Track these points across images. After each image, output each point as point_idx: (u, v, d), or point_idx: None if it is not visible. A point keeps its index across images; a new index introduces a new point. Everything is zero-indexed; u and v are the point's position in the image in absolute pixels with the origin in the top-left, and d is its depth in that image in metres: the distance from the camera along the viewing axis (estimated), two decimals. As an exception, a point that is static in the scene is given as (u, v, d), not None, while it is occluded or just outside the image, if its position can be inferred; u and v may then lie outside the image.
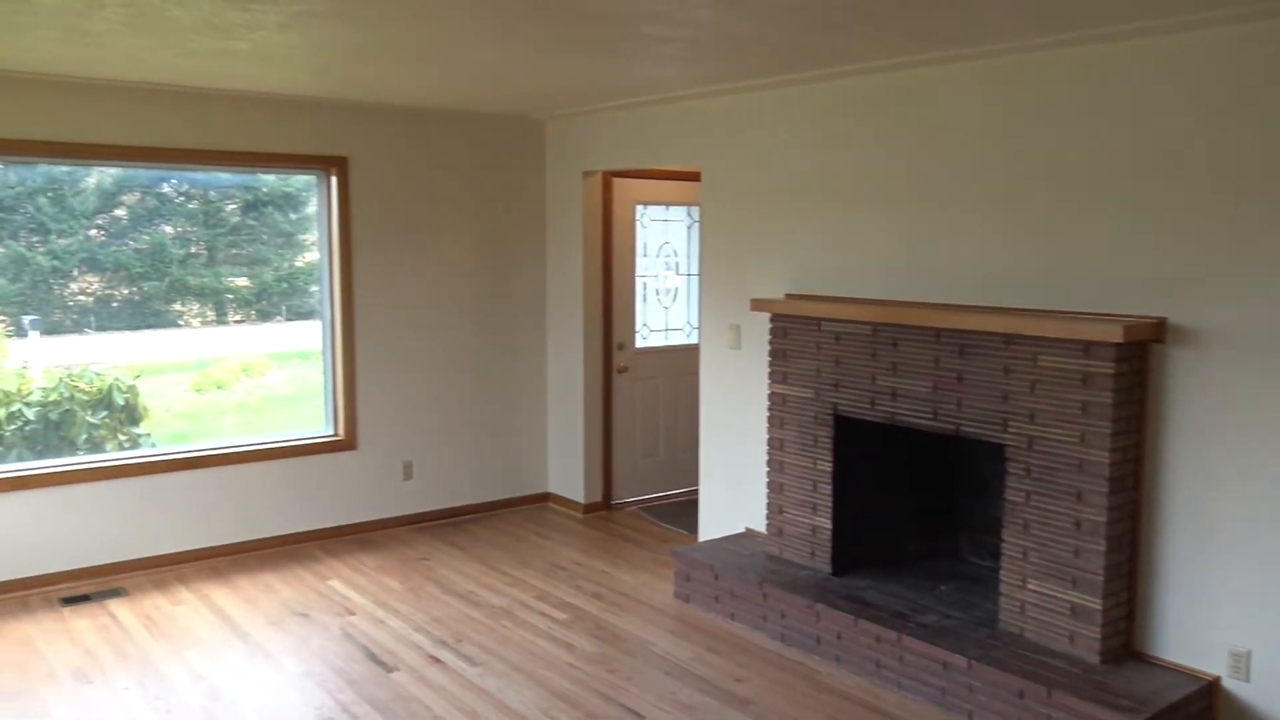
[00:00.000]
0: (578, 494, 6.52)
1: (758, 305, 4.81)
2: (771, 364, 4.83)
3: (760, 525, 5.17)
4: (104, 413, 6.08)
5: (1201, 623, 3.58)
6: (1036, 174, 3.93)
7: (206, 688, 4.05)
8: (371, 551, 5.75)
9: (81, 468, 5.27)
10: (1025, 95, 3.96)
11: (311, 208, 6.35)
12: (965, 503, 4.76)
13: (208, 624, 4.70)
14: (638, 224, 6.57)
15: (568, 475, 6.60)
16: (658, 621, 4.76)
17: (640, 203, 6.55)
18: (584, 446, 6.44)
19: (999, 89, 4.04)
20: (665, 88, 5.15)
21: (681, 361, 6.75)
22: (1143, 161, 3.61)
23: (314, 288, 6.48)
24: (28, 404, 5.99)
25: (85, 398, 6.13)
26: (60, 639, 4.50)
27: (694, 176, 6.20)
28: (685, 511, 6.33)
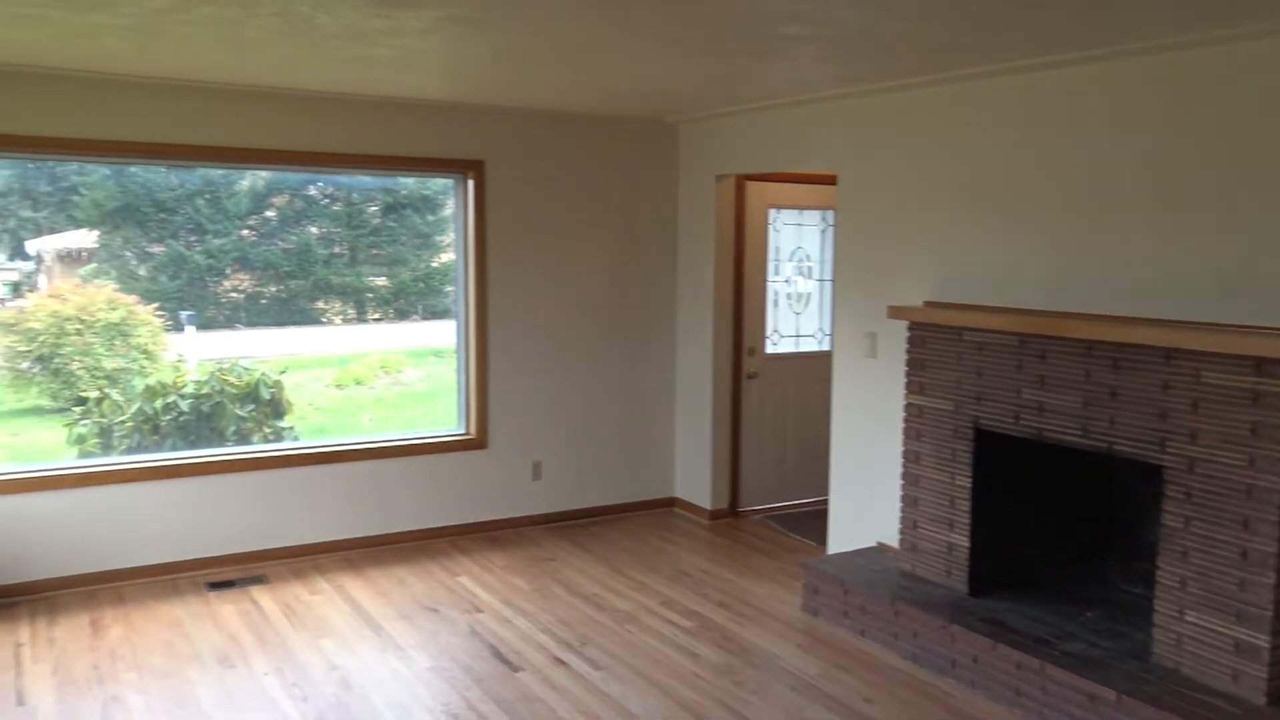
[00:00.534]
0: (704, 500, 6.46)
1: (895, 313, 4.65)
2: (909, 374, 4.67)
3: (893, 540, 5.01)
4: (251, 406, 6.35)
5: (1385, 667, 3.28)
6: (1204, 175, 3.68)
7: (339, 677, 4.15)
8: (500, 550, 5.82)
9: (229, 458, 5.49)
10: (1191, 91, 3.71)
11: (448, 210, 6.48)
12: (1115, 525, 4.50)
13: (342, 614, 4.82)
14: (770, 228, 6.47)
15: (694, 481, 6.54)
16: (784, 634, 4.66)
17: (773, 206, 6.45)
18: (711, 452, 6.37)
19: (1159, 86, 3.80)
20: (802, 89, 5.05)
21: (813, 368, 6.61)
22: (1326, 164, 3.33)
23: (449, 288, 6.61)
24: (182, 396, 6.31)
25: (234, 391, 6.41)
26: (206, 622, 4.69)
27: (830, 180, 6.06)
28: (814, 522, 6.19)
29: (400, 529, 5.85)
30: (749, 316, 6.41)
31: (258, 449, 5.74)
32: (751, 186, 6.31)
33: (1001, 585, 4.47)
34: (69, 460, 5.89)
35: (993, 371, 4.26)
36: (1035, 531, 4.57)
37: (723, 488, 6.46)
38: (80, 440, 6.32)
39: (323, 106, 5.36)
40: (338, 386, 13.93)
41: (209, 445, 6.36)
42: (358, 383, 14.00)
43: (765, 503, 6.63)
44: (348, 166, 5.63)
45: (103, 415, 6.32)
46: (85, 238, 15.18)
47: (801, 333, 6.72)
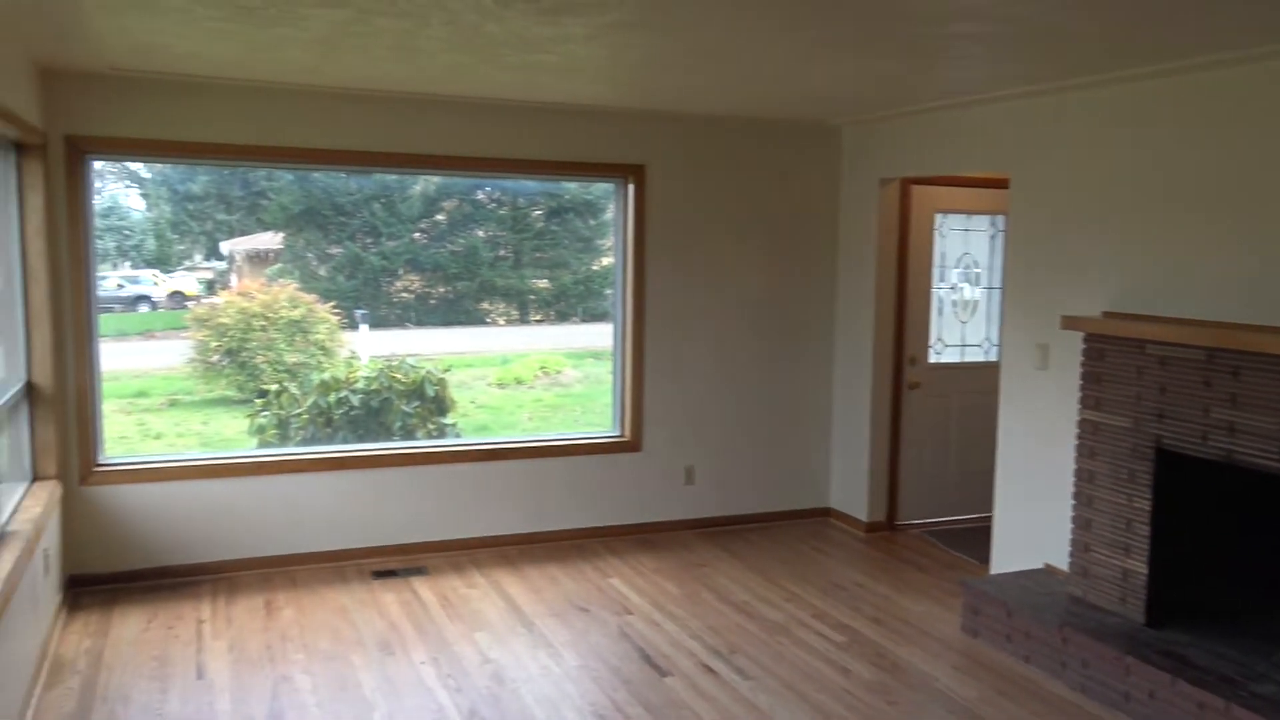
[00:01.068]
0: (860, 511, 6.30)
1: (1070, 323, 4.41)
2: (1083, 388, 4.42)
3: (1061, 562, 4.74)
4: (416, 402, 6.59)
5: None
6: None
7: (492, 670, 4.24)
8: (651, 553, 5.83)
9: (395, 452, 5.69)
10: None
11: (609, 214, 6.56)
12: (1315, 558, 4.13)
13: (497, 609, 4.93)
14: (936, 233, 6.25)
15: (851, 491, 6.39)
16: (942, 655, 4.49)
17: (940, 211, 6.23)
18: (869, 463, 6.21)
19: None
20: (973, 89, 4.85)
21: (978, 379, 6.35)
22: None
23: (608, 291, 6.68)
24: (353, 391, 6.61)
25: (401, 387, 6.68)
26: (369, 609, 4.88)
27: (1000, 183, 5.81)
28: (976, 539, 5.95)
29: (554, 527, 5.94)
30: (911, 324, 6.21)
31: (422, 444, 5.94)
32: (917, 190, 6.12)
33: (1182, 617, 4.17)
34: (250, 449, 6.27)
35: (1177, 388, 3.98)
36: (1222, 561, 4.24)
37: (880, 500, 6.28)
38: (260, 430, 6.71)
39: (489, 113, 5.50)
40: (499, 385, 14.33)
41: (376, 439, 6.64)
42: (518, 382, 14.37)
43: (924, 517, 6.41)
44: (513, 171, 5.75)
45: (281, 408, 6.68)
46: (272, 239, 16.16)
47: (967, 342, 6.47)
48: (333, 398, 6.56)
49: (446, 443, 6.00)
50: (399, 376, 6.89)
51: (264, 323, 11.39)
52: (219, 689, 4.01)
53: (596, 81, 4.73)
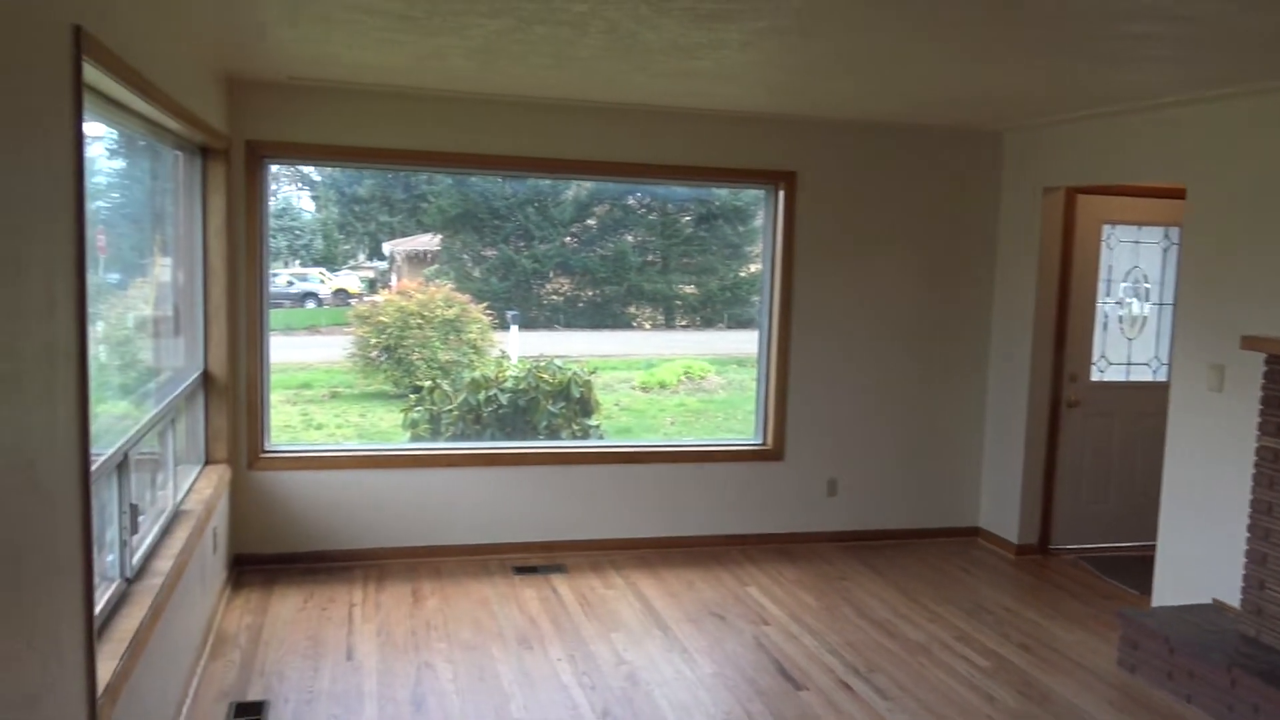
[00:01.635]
0: (1010, 533, 6.06)
1: (1251, 343, 4.13)
2: (1264, 413, 4.13)
3: (1232, 598, 4.44)
4: (562, 403, 6.71)
5: None
6: None
7: (627, 672, 4.26)
8: (790, 563, 5.76)
9: (540, 451, 5.81)
10: None
11: (758, 221, 6.52)
12: None
13: (633, 610, 4.96)
14: (1103, 245, 5.96)
15: (1001, 512, 6.16)
16: (1094, 688, 4.26)
17: (1107, 222, 5.93)
18: (1022, 483, 5.96)
19: None
20: (1149, 94, 4.61)
21: (1144, 400, 6.02)
22: None
23: (755, 297, 6.64)
24: (502, 390, 6.78)
25: (548, 388, 6.81)
26: (510, 604, 4.99)
27: (1176, 194, 5.51)
28: (1136, 568, 5.64)
29: (693, 533, 5.94)
30: (1073, 340, 5.94)
31: (567, 444, 6.05)
32: (1083, 200, 5.84)
33: (1370, 666, 3.84)
34: (403, 443, 6.50)
35: (1372, 417, 3.67)
36: None
37: (1032, 522, 6.03)
38: (413, 424, 6.96)
39: (641, 119, 5.55)
40: (643, 389, 14.44)
41: (522, 437, 6.79)
42: (662, 386, 14.45)
43: (1080, 542, 6.11)
44: (664, 177, 5.79)
45: (434, 403, 6.91)
46: (430, 241, 16.74)
47: (1133, 360, 6.14)
48: (482, 395, 6.74)
49: (590, 444, 6.08)
50: (546, 377, 7.03)
51: (420, 321, 11.82)
52: (366, 671, 4.17)
53: (750, 87, 4.72)
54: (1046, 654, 4.60)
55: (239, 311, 5.15)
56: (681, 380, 14.43)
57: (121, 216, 3.69)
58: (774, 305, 5.95)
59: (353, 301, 16.42)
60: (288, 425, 11.34)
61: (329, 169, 17.58)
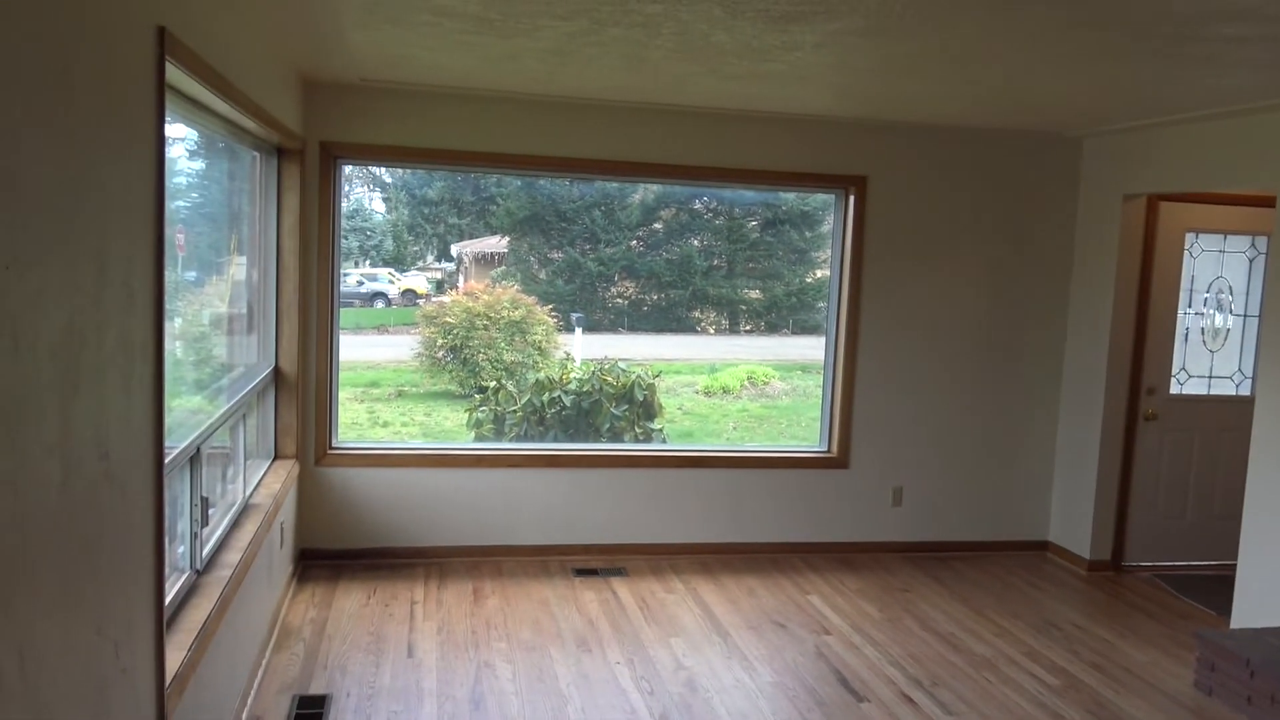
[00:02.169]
0: (1082, 548, 5.90)
1: (1341, 358, 3.96)
2: (1353, 431, 3.96)
3: (1318, 623, 4.27)
4: (625, 406, 6.70)
5: None
6: None
7: (686, 678, 4.23)
8: (852, 573, 5.68)
9: (603, 454, 5.81)
10: None
11: (826, 226, 6.45)
12: None
13: (693, 616, 4.93)
14: (1186, 254, 5.78)
15: (1072, 526, 6.00)
16: (1169, 711, 4.12)
17: (1191, 230, 5.75)
18: (1096, 497, 5.80)
19: None
20: (1237, 98, 4.45)
21: (1226, 415, 5.83)
22: None
23: (821, 304, 6.57)
24: (566, 391, 6.79)
25: (612, 390, 6.81)
26: (569, 606, 4.99)
27: (1263, 201, 5.32)
28: (1214, 588, 5.45)
29: (754, 539, 5.89)
30: (1151, 351, 5.76)
31: (630, 448, 6.04)
32: (1166, 207, 5.67)
33: None
34: (468, 442, 6.55)
35: None
36: None
37: (1105, 537, 5.86)
38: (478, 424, 7.01)
39: (710, 122, 5.52)
40: (705, 393, 14.39)
41: (585, 439, 6.79)
42: (725, 391, 14.39)
43: (1155, 559, 5.93)
44: (732, 181, 5.74)
45: (498, 404, 6.95)
46: (498, 243, 16.89)
47: (1215, 373, 5.94)
48: (546, 397, 6.76)
49: (653, 447, 6.07)
50: (610, 379, 7.03)
51: (486, 322, 11.93)
52: (426, 668, 4.20)
53: (822, 90, 4.66)
54: (1119, 674, 4.47)
55: (310, 309, 5.23)
56: (745, 385, 14.35)
57: (200, 215, 3.77)
58: (842, 311, 5.87)
59: (420, 302, 16.65)
60: (354, 423, 11.52)
61: (400, 171, 17.87)
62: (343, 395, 5.68)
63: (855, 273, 5.80)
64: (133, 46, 2.23)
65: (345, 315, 5.76)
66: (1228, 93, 4.31)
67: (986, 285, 5.96)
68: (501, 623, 4.73)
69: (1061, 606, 5.31)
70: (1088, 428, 5.85)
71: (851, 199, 5.76)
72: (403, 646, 4.41)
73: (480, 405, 7.25)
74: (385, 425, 11.65)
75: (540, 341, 12.39)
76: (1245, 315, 5.90)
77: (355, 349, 13.91)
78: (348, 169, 5.32)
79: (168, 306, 2.54)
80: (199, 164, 3.85)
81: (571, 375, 7.22)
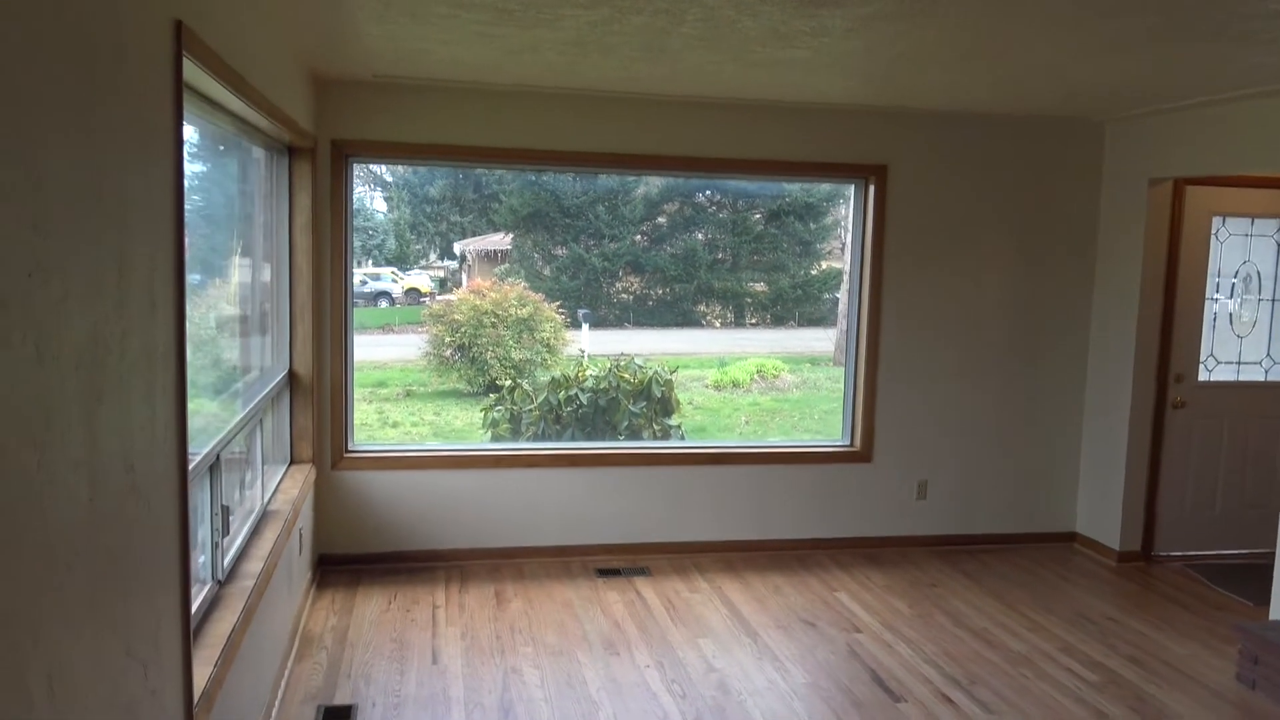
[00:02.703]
0: (1111, 539, 5.80)
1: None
2: (1400, 416, 3.86)
3: (1363, 613, 4.17)
4: (643, 403, 6.60)
5: None
6: None
7: (717, 680, 4.14)
8: (879, 569, 5.58)
9: (623, 452, 5.71)
10: None
11: (830, 218, 6.34)
12: None
13: (720, 616, 4.84)
14: (1213, 239, 5.67)
15: (1101, 516, 5.90)
16: (1213, 706, 4.03)
17: (1218, 214, 5.65)
18: (1125, 487, 5.70)
19: None
20: (1271, 78, 4.34)
21: (1256, 401, 5.73)
22: None
23: (826, 295, 6.46)
24: (582, 389, 6.69)
25: (629, 387, 6.71)
26: (593, 607, 4.90)
27: (1293, 183, 5.22)
28: (1249, 577, 5.36)
29: (778, 536, 5.80)
30: (1179, 338, 5.66)
31: (650, 445, 5.94)
32: (1193, 191, 5.56)
33: None
34: (486, 443, 6.45)
35: None
36: None
37: (1134, 527, 5.76)
38: (494, 424, 6.91)
39: (727, 114, 5.42)
40: (715, 387, 14.29)
41: (603, 438, 6.70)
42: (735, 385, 14.29)
43: (1186, 549, 5.83)
44: (750, 172, 5.62)
45: (514, 403, 6.85)
46: (501, 240, 16.79)
47: (1244, 360, 5.84)
48: (562, 395, 6.67)
49: (672, 445, 5.97)
50: (626, 376, 6.93)
51: (494, 320, 11.83)
52: (452, 675, 4.11)
53: (847, 77, 4.55)
54: (1158, 668, 4.37)
55: (324, 311, 5.14)
56: (754, 379, 14.25)
57: (211, 218, 3.67)
58: (862, 302, 5.76)
59: (424, 300, 16.55)
60: (364, 423, 11.44)
61: (401, 170, 17.76)
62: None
63: (876, 263, 5.69)
64: (150, 41, 2.13)
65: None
66: (1262, 72, 4.20)
67: (1009, 273, 5.85)
68: (526, 626, 4.64)
69: (1093, 599, 5.21)
70: (1115, 416, 5.75)
71: (871, 188, 5.66)
72: (427, 653, 4.32)
73: (496, 405, 7.15)
74: (395, 425, 11.56)
75: (549, 339, 12.29)
76: (1275, 300, 5.80)
77: (362, 349, 13.80)
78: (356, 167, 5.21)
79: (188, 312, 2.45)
80: (210, 164, 3.75)
81: (587, 373, 7.13)
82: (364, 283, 17.40)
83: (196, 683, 2.48)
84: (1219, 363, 5.80)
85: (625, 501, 5.62)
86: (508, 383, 7.35)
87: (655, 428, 6.54)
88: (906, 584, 5.36)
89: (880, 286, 5.71)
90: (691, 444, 5.92)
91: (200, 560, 3.15)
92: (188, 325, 3.29)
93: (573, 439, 6.18)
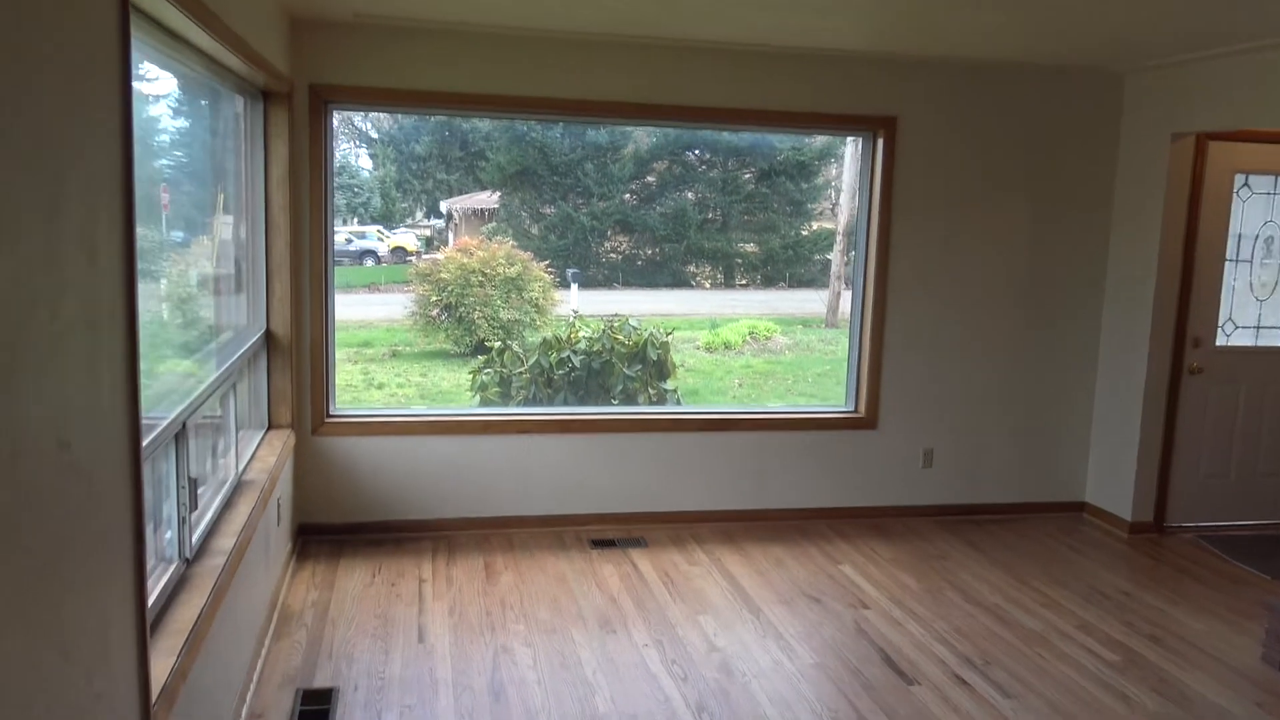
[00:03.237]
0: (1123, 509, 5.60)
1: None
2: None
3: (1396, 591, 3.98)
4: (638, 366, 6.34)
5: None
6: None
7: (720, 660, 3.93)
8: (884, 540, 5.37)
9: (616, 417, 5.45)
10: None
11: (822, 177, 6.06)
12: None
13: (720, 591, 4.62)
14: (1235, 197, 5.42)
15: (1112, 486, 5.70)
16: (1238, 687, 3.84)
17: (1241, 171, 5.39)
18: (1137, 455, 5.49)
19: None
20: (1312, 23, 4.07)
21: (1276, 367, 5.53)
22: None
23: (817, 256, 6.20)
24: (575, 352, 6.43)
25: (623, 350, 6.44)
26: (588, 581, 4.67)
27: (1324, 139, 4.96)
28: (1264, 549, 5.18)
29: (779, 505, 5.57)
30: (1198, 301, 5.43)
31: (645, 410, 5.69)
32: (1215, 147, 5.30)
33: None
34: (474, 407, 6.19)
35: None
36: None
37: (1146, 497, 5.56)
38: (482, 388, 6.65)
39: (731, 61, 5.11)
40: (707, 349, 14.03)
41: (596, 402, 6.44)
42: (727, 347, 14.02)
43: (1199, 520, 5.64)
44: (754, 123, 5.30)
45: (504, 366, 6.59)
46: (488, 198, 16.41)
47: (1264, 324, 5.61)
48: (554, 357, 6.40)
49: (669, 410, 5.72)
50: (621, 339, 6.66)
51: (482, 279, 11.52)
52: (439, 655, 3.88)
53: (860, 19, 4.25)
54: (1178, 646, 4.18)
55: (303, 268, 4.84)
56: (747, 340, 14.00)
57: (184, 170, 3.37)
58: (869, 262, 5.50)
59: (411, 259, 16.20)
60: (349, 385, 11.15)
61: (386, 126, 17.30)
62: (336, 357, 5.31)
63: (884, 221, 5.42)
64: (86, -52, 1.83)
65: (337, 274, 5.37)
66: (1305, 16, 3.93)
67: (1022, 232, 5.59)
68: (517, 602, 4.41)
69: (1106, 572, 5.02)
70: (1129, 383, 5.53)
71: (880, 142, 5.37)
72: (413, 631, 4.09)
73: (485, 367, 6.88)
74: (380, 387, 11.29)
75: (537, 298, 11.99)
76: (1298, 261, 5.57)
77: (347, 308, 13.51)
78: (335, 120, 4.89)
79: (152, 268, 2.16)
80: (180, 112, 3.44)
81: (580, 334, 6.85)
82: (349, 241, 17.03)
83: (156, 677, 2.24)
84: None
85: (620, 469, 5.38)
86: (497, 344, 7.07)
87: (650, 392, 6.30)
88: (913, 556, 5.15)
89: (888, 246, 5.45)
90: (689, 409, 5.67)
91: (166, 536, 2.89)
92: (161, 283, 3.00)
93: (565, 403, 5.92)
